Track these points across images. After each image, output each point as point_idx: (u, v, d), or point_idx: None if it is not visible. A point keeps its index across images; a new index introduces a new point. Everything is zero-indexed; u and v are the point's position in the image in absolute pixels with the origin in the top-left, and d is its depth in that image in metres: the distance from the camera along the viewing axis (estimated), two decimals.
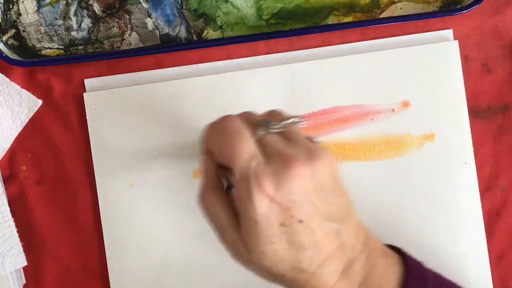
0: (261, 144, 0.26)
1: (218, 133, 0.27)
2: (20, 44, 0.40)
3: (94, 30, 0.40)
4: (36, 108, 0.39)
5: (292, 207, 0.25)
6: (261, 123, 0.27)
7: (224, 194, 0.28)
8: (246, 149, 0.25)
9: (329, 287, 0.27)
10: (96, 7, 0.40)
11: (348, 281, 0.27)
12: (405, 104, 0.40)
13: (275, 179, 0.25)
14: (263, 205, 0.25)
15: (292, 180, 0.25)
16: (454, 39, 0.40)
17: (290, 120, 0.28)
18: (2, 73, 0.38)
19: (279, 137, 0.27)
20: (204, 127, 0.28)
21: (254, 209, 0.25)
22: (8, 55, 0.38)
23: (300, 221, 0.25)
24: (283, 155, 0.26)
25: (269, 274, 0.27)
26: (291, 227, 0.25)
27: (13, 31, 0.40)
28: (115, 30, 0.40)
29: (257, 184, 0.25)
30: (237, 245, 0.27)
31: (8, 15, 0.40)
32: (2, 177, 0.39)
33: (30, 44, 0.40)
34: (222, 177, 0.29)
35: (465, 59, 0.40)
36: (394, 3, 0.41)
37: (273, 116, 0.29)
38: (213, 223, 0.28)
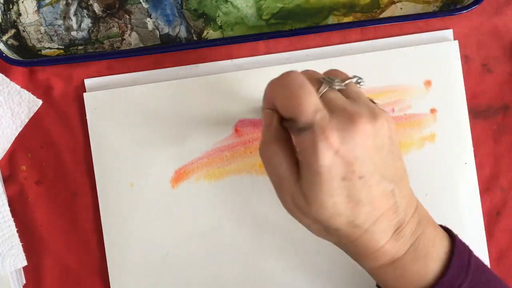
0: (325, 100, 0.27)
1: (283, 87, 0.27)
2: (20, 44, 0.40)
3: (94, 30, 0.40)
4: (36, 108, 0.39)
5: (354, 162, 0.26)
6: (325, 80, 0.28)
7: (286, 146, 0.28)
8: (312, 102, 0.26)
9: (379, 246, 0.28)
10: (96, 7, 0.40)
11: (398, 243, 0.28)
12: (405, 104, 0.40)
13: (340, 133, 0.25)
14: (328, 156, 0.25)
15: (356, 135, 0.25)
16: (454, 39, 0.40)
17: (354, 79, 0.29)
18: (2, 73, 0.38)
19: (341, 95, 0.28)
20: (268, 83, 0.28)
21: (318, 160, 0.25)
22: (8, 55, 0.38)
23: (361, 177, 0.26)
24: (348, 111, 0.26)
25: (323, 228, 0.28)
26: (352, 182, 0.26)
27: (13, 31, 0.40)
28: (115, 30, 0.40)
29: (323, 135, 0.25)
30: (296, 198, 0.27)
31: (8, 15, 0.40)
32: (2, 177, 0.39)
33: (30, 44, 0.40)
34: (284, 130, 0.29)
35: (465, 59, 0.40)
36: (394, 3, 0.41)
37: (335, 75, 0.29)
38: (273, 174, 0.28)
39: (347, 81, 0.29)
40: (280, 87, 0.27)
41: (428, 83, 0.40)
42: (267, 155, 0.28)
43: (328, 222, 0.27)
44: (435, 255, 0.29)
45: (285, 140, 0.28)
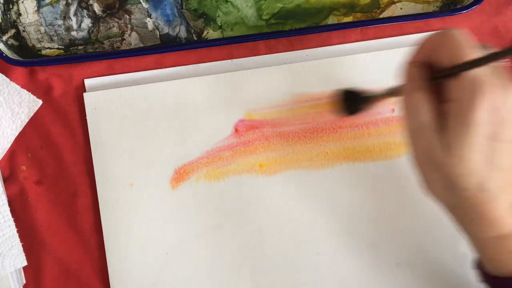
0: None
1: (448, 38, 0.27)
2: (20, 44, 0.40)
3: (94, 30, 0.40)
4: (36, 108, 0.39)
5: (505, 124, 0.26)
6: (483, 47, 0.28)
7: (431, 96, 0.28)
8: (475, 56, 0.26)
9: (500, 215, 0.27)
10: (96, 7, 0.40)
11: None
12: None
13: (503, 92, 0.25)
14: (484, 110, 0.25)
15: None
16: None
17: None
18: (2, 73, 0.38)
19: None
20: (429, 35, 0.29)
21: (473, 112, 0.25)
22: (8, 55, 0.38)
23: (506, 141, 0.26)
24: (505, 76, 0.26)
25: (449, 185, 0.27)
26: (496, 144, 0.26)
27: (13, 31, 0.40)
28: (115, 30, 0.40)
29: (486, 89, 0.25)
30: (433, 147, 0.27)
31: (8, 15, 0.40)
32: (2, 177, 0.39)
33: (30, 44, 0.40)
34: (430, 83, 0.29)
35: None
36: (394, 3, 0.41)
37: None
38: (414, 122, 0.28)
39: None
40: (448, 36, 0.28)
41: None
42: (411, 102, 0.28)
43: (460, 178, 0.27)
44: None
45: (429, 91, 0.28)
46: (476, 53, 0.26)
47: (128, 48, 0.40)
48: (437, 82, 0.28)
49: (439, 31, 0.28)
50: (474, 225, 0.29)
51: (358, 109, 0.37)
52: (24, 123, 0.39)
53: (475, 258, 0.32)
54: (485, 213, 0.27)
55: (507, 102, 0.26)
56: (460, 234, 0.31)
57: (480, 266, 0.31)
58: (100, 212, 0.38)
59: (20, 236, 0.39)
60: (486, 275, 0.31)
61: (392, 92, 0.33)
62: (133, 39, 0.40)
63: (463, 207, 0.28)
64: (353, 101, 0.37)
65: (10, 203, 0.39)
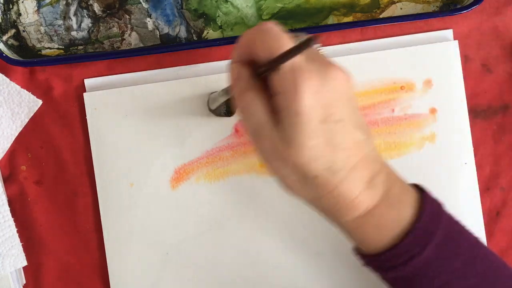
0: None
1: (262, 33, 0.28)
2: (20, 44, 0.40)
3: (94, 30, 0.40)
4: (36, 108, 0.39)
5: (332, 105, 0.27)
6: (297, 35, 0.29)
7: (262, 93, 0.28)
8: (291, 46, 0.26)
9: (355, 195, 0.28)
10: (96, 7, 0.40)
11: (372, 191, 0.29)
12: (405, 104, 0.40)
13: (320, 75, 0.26)
14: (308, 96, 0.26)
15: (333, 80, 0.27)
16: (454, 39, 0.40)
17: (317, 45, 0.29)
18: (2, 73, 0.38)
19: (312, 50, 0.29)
20: (242, 34, 0.29)
21: (299, 100, 0.26)
22: (8, 55, 0.38)
23: (338, 121, 0.27)
24: (323, 59, 0.28)
25: (301, 177, 0.28)
26: (330, 125, 0.27)
27: (13, 31, 0.40)
28: (115, 30, 0.40)
29: (304, 76, 0.26)
30: (275, 142, 0.27)
31: (8, 15, 0.40)
32: (2, 177, 0.39)
33: (30, 44, 0.40)
34: (257, 80, 0.30)
35: (465, 59, 0.40)
36: (394, 3, 0.41)
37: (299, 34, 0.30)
38: (251, 123, 0.28)
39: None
40: (262, 31, 0.28)
41: (428, 83, 0.40)
42: (243, 104, 0.29)
43: (307, 167, 0.27)
44: (407, 203, 0.30)
45: (259, 89, 0.28)
46: (289, 44, 0.27)
47: (128, 48, 0.40)
48: (262, 77, 0.28)
49: (254, 27, 0.29)
50: (335, 211, 0.29)
51: (230, 112, 0.38)
52: (24, 123, 0.39)
53: (352, 245, 0.32)
54: (341, 196, 0.28)
55: (325, 84, 0.26)
56: None
57: (358, 252, 0.32)
58: (100, 212, 0.38)
59: (20, 236, 0.39)
60: (364, 257, 0.31)
61: (227, 93, 0.33)
62: (133, 39, 0.40)
63: (321, 196, 0.29)
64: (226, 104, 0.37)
65: (10, 203, 0.39)
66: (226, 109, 0.38)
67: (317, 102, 0.26)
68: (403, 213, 0.29)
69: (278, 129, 0.27)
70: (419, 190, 0.31)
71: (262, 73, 0.28)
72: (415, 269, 0.29)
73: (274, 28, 0.28)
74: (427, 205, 0.30)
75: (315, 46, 0.29)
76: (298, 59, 0.26)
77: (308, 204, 0.30)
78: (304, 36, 0.28)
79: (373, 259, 0.30)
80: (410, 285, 0.30)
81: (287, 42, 0.27)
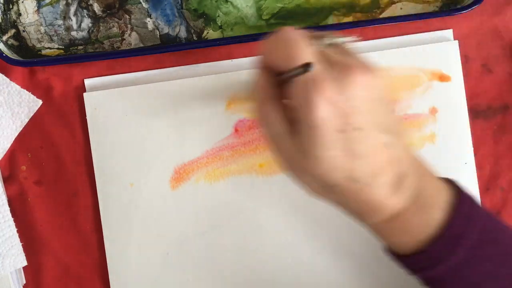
0: (319, 55, 0.27)
1: (277, 42, 0.27)
2: (20, 44, 0.40)
3: (94, 30, 0.40)
4: (36, 108, 0.39)
5: (352, 113, 0.25)
6: (317, 36, 0.28)
7: (280, 104, 0.28)
8: (306, 55, 0.26)
9: (380, 200, 0.27)
10: (96, 7, 0.40)
11: (399, 195, 0.28)
12: (405, 104, 0.40)
13: (336, 84, 0.25)
14: (324, 108, 0.25)
15: (353, 86, 0.25)
16: (454, 39, 0.40)
17: (346, 38, 0.28)
18: (2, 73, 0.38)
19: (335, 50, 0.28)
20: (262, 41, 0.28)
21: (313, 112, 0.25)
22: (8, 55, 0.38)
23: (358, 129, 0.26)
24: (343, 63, 0.26)
25: (322, 184, 0.27)
26: (348, 134, 0.26)
27: (13, 31, 0.40)
28: (115, 30, 0.40)
29: (319, 87, 0.25)
30: (292, 154, 0.27)
31: (8, 15, 0.40)
32: (2, 177, 0.39)
33: (30, 44, 0.40)
34: (277, 90, 0.29)
35: (465, 59, 0.40)
36: (394, 3, 0.41)
37: (328, 33, 0.30)
38: (269, 133, 0.28)
39: (338, 38, 0.28)
40: (274, 42, 0.27)
41: (428, 83, 0.39)
42: (262, 114, 0.28)
43: (326, 177, 0.26)
44: (439, 206, 0.28)
45: (278, 99, 0.28)
46: (305, 54, 0.26)
47: (128, 48, 0.40)
48: (282, 87, 0.28)
49: (273, 33, 0.28)
50: (361, 215, 0.29)
51: None
52: (24, 123, 0.39)
53: (383, 245, 0.32)
54: (365, 201, 0.27)
55: (343, 93, 0.25)
56: None
57: (389, 251, 0.31)
58: (100, 212, 0.38)
59: (20, 236, 0.39)
60: (395, 256, 0.31)
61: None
62: (133, 39, 0.40)
63: (345, 202, 0.28)
64: None
65: (10, 203, 0.39)
66: None
67: (333, 113, 0.25)
68: (433, 217, 0.28)
69: (296, 140, 0.27)
70: (453, 187, 0.30)
71: (281, 83, 0.28)
72: (443, 272, 0.28)
73: (291, 36, 0.27)
74: (460, 208, 0.28)
75: (347, 41, 0.28)
76: (315, 68, 0.25)
77: (333, 206, 0.30)
78: (331, 37, 0.27)
79: (402, 259, 0.30)
80: (439, 285, 0.29)
81: (302, 52, 0.26)
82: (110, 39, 0.40)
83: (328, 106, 0.25)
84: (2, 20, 0.39)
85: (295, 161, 0.27)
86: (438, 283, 0.29)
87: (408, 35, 0.40)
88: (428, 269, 0.28)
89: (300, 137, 0.26)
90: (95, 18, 0.40)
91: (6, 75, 0.38)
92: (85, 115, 0.39)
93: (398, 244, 0.30)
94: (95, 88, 0.39)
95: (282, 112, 0.28)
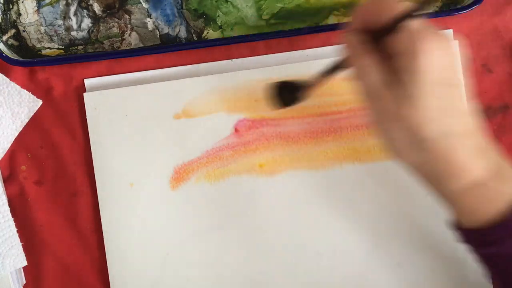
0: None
1: (378, 1, 0.29)
2: (20, 44, 0.40)
3: (94, 30, 0.40)
4: (36, 108, 0.39)
5: (450, 69, 0.27)
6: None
7: (377, 56, 0.29)
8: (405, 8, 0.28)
9: (465, 161, 0.28)
10: (96, 7, 0.40)
11: (483, 162, 0.28)
12: None
13: (438, 38, 0.27)
14: (427, 56, 0.26)
15: (451, 45, 0.28)
16: (454, 39, 0.40)
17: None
18: (2, 73, 0.38)
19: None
20: (360, 6, 0.30)
21: (419, 59, 0.26)
22: (8, 55, 0.38)
23: (455, 86, 0.28)
24: (435, 27, 0.28)
25: (413, 139, 0.28)
26: (448, 88, 0.27)
27: (13, 31, 0.40)
28: (115, 30, 0.40)
29: (423, 36, 0.27)
30: (388, 104, 0.28)
31: (8, 15, 0.40)
32: (2, 177, 0.39)
33: (30, 44, 0.40)
34: (371, 45, 0.30)
35: (465, 59, 0.40)
36: None
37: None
38: (367, 84, 0.29)
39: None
40: (378, 1, 0.29)
41: None
42: (360, 67, 0.29)
43: (422, 127, 0.27)
44: None
45: (373, 52, 0.29)
46: (401, 7, 0.27)
47: (128, 48, 0.40)
48: (378, 42, 0.29)
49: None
50: (441, 177, 0.29)
51: (294, 99, 0.36)
52: (24, 123, 0.39)
53: (451, 219, 0.31)
54: (453, 160, 0.28)
55: (442, 48, 0.27)
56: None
57: (458, 226, 0.31)
58: (100, 212, 0.38)
59: (20, 236, 0.39)
60: (466, 231, 0.30)
61: (330, 71, 0.34)
62: (133, 39, 0.40)
63: (430, 160, 0.28)
64: (288, 92, 0.36)
65: (10, 203, 0.39)
66: (287, 98, 0.37)
67: (436, 63, 0.27)
68: None
69: (395, 90, 0.28)
70: None
71: (380, 37, 0.29)
72: None
73: None
74: None
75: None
76: (416, 22, 0.27)
77: (413, 170, 0.30)
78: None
79: (473, 232, 0.30)
80: (509, 264, 0.29)
81: (400, 5, 0.28)
82: (110, 39, 0.40)
83: (431, 56, 0.26)
84: (2, 20, 0.39)
85: (390, 112, 0.28)
86: (506, 259, 0.29)
87: None
88: (502, 242, 0.28)
89: (402, 85, 0.27)
90: (95, 18, 0.40)
91: (6, 75, 0.38)
92: (85, 115, 0.39)
93: (473, 214, 0.29)
94: (95, 88, 0.39)
95: (380, 63, 0.29)
